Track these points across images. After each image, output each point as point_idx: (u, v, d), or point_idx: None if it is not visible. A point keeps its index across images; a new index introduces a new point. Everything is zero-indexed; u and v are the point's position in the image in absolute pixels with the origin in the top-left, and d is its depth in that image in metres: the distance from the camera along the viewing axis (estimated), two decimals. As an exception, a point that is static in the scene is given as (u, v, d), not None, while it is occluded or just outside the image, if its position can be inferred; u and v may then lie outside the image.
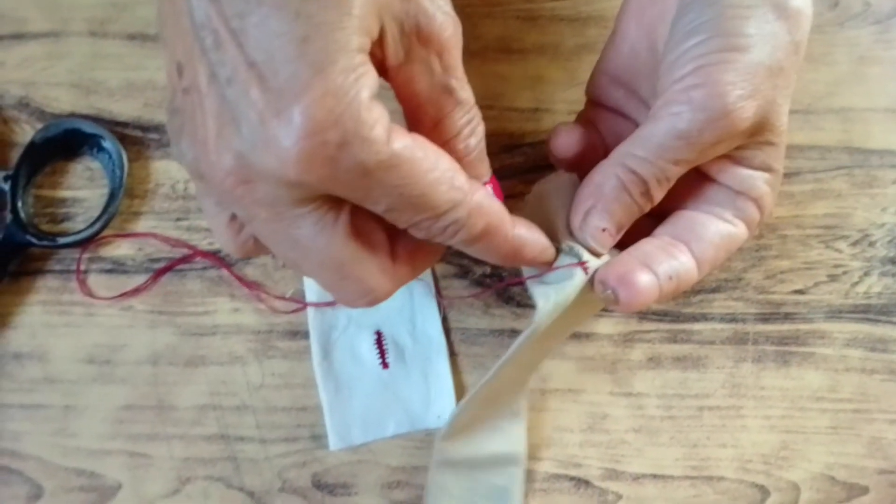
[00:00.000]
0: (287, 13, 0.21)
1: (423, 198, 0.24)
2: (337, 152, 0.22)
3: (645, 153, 0.28)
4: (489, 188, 0.28)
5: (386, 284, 0.27)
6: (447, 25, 0.25)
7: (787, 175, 0.39)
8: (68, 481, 0.36)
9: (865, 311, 0.39)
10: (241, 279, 0.37)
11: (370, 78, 0.22)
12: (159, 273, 0.37)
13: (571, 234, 0.30)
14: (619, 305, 0.28)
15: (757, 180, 0.29)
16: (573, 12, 0.41)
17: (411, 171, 0.23)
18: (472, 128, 0.27)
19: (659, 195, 0.29)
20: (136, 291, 0.37)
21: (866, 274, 0.39)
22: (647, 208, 0.29)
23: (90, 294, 0.37)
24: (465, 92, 0.26)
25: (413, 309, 0.38)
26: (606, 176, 0.29)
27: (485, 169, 0.28)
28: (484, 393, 0.33)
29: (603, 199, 0.29)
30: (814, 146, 0.40)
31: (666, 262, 0.29)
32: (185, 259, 0.38)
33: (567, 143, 0.32)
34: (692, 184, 0.30)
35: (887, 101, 0.41)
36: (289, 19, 0.21)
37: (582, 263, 0.29)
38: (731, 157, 0.29)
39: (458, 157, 0.26)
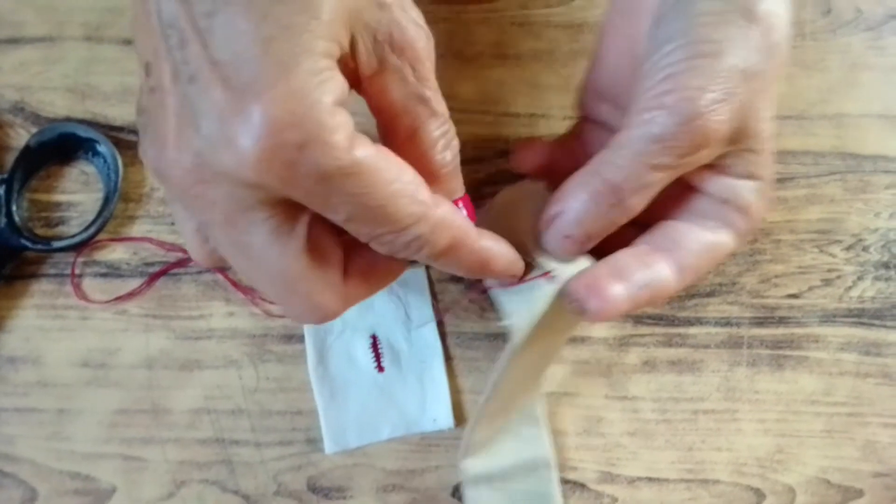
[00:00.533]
0: (254, 13, 0.21)
1: (383, 209, 0.24)
2: (296, 154, 0.22)
3: (620, 159, 0.27)
4: (454, 203, 0.27)
5: (335, 303, 0.26)
6: (420, 36, 0.25)
7: (781, 180, 0.40)
8: (62, 485, 0.36)
9: (859, 316, 0.39)
10: (235, 283, 0.37)
11: (335, 83, 0.22)
12: (154, 277, 0.37)
13: (537, 243, 0.29)
14: (587, 316, 0.28)
15: (742, 189, 0.29)
16: (567, 18, 0.41)
17: (371, 180, 0.23)
18: (447, 141, 0.26)
19: (637, 204, 0.28)
20: (130, 295, 0.37)
21: (860, 278, 0.39)
22: (622, 220, 0.28)
23: (85, 298, 0.37)
24: (440, 104, 0.26)
25: (408, 312, 0.38)
26: (578, 183, 0.28)
27: (457, 185, 0.28)
28: (490, 410, 0.33)
29: (571, 207, 0.28)
30: (807, 152, 0.40)
31: (639, 271, 0.28)
32: (179, 263, 0.38)
33: (526, 158, 0.33)
34: (678, 196, 0.30)
35: (880, 107, 0.41)
36: (256, 20, 0.21)
37: (546, 274, 0.28)
38: (714, 167, 0.29)
39: (433, 171, 0.26)
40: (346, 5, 0.23)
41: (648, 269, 0.28)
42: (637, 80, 0.28)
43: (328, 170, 0.22)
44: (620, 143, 0.27)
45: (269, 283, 0.26)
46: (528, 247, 0.29)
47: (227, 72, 0.21)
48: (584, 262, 0.29)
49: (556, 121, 0.40)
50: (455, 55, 0.40)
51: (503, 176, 0.39)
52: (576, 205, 0.28)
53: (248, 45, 0.21)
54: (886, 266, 0.40)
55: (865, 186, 0.40)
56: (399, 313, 0.38)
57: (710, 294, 0.39)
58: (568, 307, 0.28)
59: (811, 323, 0.39)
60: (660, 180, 0.27)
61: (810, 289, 0.39)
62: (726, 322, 0.39)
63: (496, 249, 0.28)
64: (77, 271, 0.38)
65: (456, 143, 0.27)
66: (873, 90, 0.41)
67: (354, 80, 0.25)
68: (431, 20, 0.40)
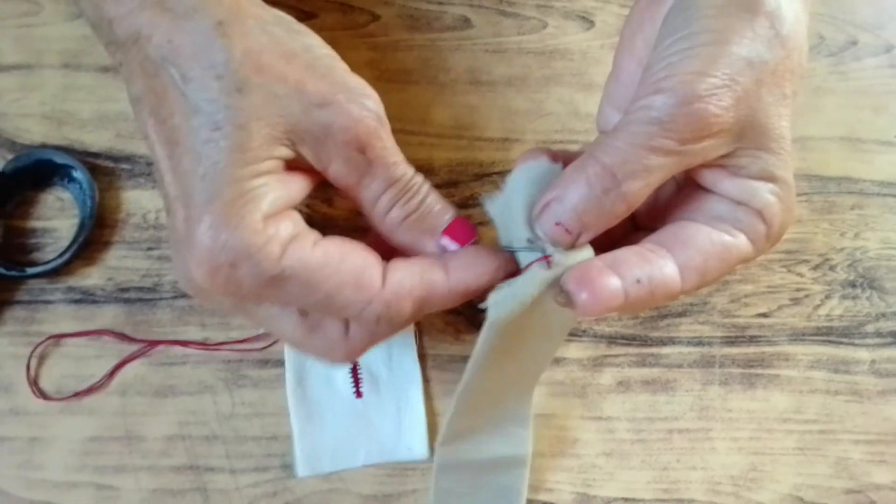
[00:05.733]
0: (193, 154, 0.25)
1: (330, 300, 0.26)
2: (232, 271, 0.25)
3: (616, 142, 0.26)
4: (442, 234, 0.29)
5: (339, 356, 0.29)
6: (364, 124, 0.27)
7: (749, 201, 0.41)
8: (33, 515, 0.35)
9: (828, 334, 0.40)
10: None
11: (267, 199, 0.25)
12: (118, 366, 0.37)
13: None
14: (577, 310, 0.26)
15: (758, 190, 0.27)
16: (539, 45, 0.42)
17: (309, 279, 0.25)
18: (405, 199, 0.28)
19: (634, 191, 0.26)
20: (90, 390, 0.37)
21: (827, 297, 0.40)
22: (620, 208, 0.26)
23: (43, 395, 0.36)
24: (396, 171, 0.28)
25: (391, 340, 0.38)
26: (574, 168, 0.27)
27: (433, 223, 0.29)
28: (473, 401, 0.32)
29: (565, 193, 0.26)
30: (774, 174, 0.41)
31: (637, 266, 0.26)
32: (142, 351, 0.37)
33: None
34: (692, 199, 0.29)
35: (843, 131, 0.42)
36: (193, 159, 0.25)
37: (546, 257, 0.27)
38: (728, 168, 0.27)
39: (393, 228, 0.28)
40: (277, 125, 0.25)
41: (648, 264, 0.27)
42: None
43: (263, 279, 0.25)
44: (618, 128, 0.26)
45: (283, 340, 0.31)
46: (529, 229, 0.28)
47: (182, 205, 0.25)
48: (586, 252, 0.28)
49: (529, 145, 0.41)
50: (430, 81, 0.41)
51: (477, 199, 0.40)
52: (570, 190, 0.26)
53: (189, 181, 0.25)
54: (853, 285, 0.40)
55: (831, 207, 0.41)
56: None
57: (681, 314, 0.39)
58: (557, 300, 0.27)
59: (781, 341, 0.39)
60: (660, 166, 0.26)
61: (779, 308, 0.40)
62: (698, 342, 0.39)
63: (471, 275, 0.28)
64: (51, 297, 0.37)
65: (416, 200, 0.28)
66: (836, 114, 0.43)
67: (316, 175, 0.28)
68: (407, 47, 0.41)
